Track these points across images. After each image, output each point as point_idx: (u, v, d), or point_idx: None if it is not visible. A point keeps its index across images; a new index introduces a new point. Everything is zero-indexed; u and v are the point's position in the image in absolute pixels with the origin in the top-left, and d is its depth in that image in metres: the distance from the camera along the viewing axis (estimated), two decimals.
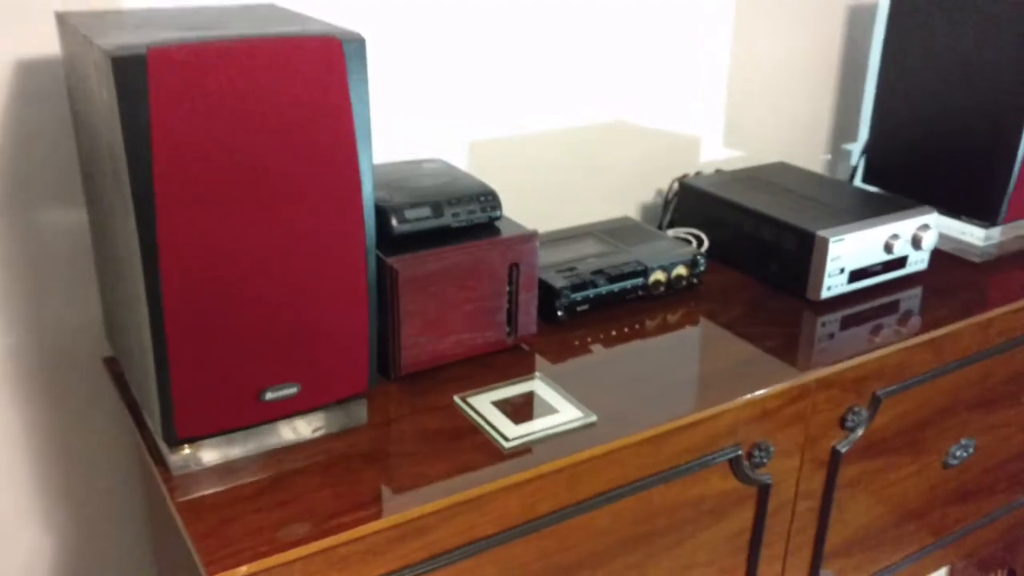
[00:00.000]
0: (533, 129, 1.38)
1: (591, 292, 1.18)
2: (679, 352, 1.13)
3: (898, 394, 1.22)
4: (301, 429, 0.91)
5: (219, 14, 0.89)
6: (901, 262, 1.29)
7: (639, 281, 1.21)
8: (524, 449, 0.92)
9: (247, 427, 0.87)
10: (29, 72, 1.00)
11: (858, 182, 1.62)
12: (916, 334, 1.18)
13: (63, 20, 0.89)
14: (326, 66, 0.78)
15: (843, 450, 1.18)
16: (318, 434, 0.92)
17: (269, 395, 0.84)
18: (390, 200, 1.01)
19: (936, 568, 1.47)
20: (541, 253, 1.23)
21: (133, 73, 0.70)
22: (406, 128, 1.26)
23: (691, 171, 1.51)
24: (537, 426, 0.94)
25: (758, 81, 1.58)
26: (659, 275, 1.22)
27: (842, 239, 1.21)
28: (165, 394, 0.81)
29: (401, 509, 0.83)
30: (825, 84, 1.68)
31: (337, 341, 0.87)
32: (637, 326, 1.18)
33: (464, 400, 0.98)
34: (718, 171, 1.50)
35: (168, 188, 0.74)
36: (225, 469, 0.87)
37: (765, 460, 1.10)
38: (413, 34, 1.23)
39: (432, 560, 0.88)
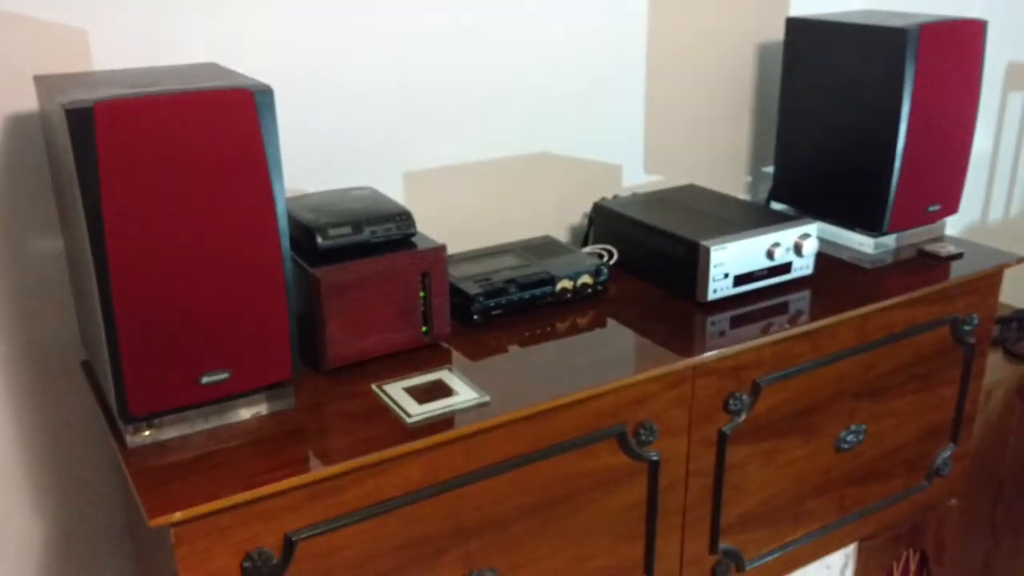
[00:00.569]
0: (465, 160, 1.57)
1: (503, 299, 1.36)
2: (577, 346, 1.31)
3: (778, 382, 1.38)
4: (240, 412, 1.09)
5: (167, 73, 1.09)
6: (786, 268, 1.46)
7: (547, 288, 1.39)
8: (425, 424, 1.09)
9: (188, 407, 1.05)
10: (17, 124, 1.20)
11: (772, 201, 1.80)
12: (790, 328, 1.36)
13: (40, 81, 1.09)
14: (240, 112, 0.97)
15: (728, 432, 1.35)
16: (253, 415, 1.10)
17: (205, 379, 1.03)
18: (317, 220, 1.20)
19: (841, 546, 1.63)
20: (464, 266, 1.43)
21: (83, 122, 0.90)
22: (346, 160, 1.45)
23: (612, 195, 1.70)
24: (437, 406, 1.12)
25: (675, 113, 1.77)
26: (566, 283, 1.40)
27: (724, 247, 1.38)
28: (119, 380, 1.00)
29: (314, 469, 1.01)
30: (741, 113, 1.86)
31: (262, 335, 1.05)
32: (544, 327, 1.36)
33: (380, 387, 1.16)
34: (633, 194, 1.68)
35: (113, 212, 0.93)
36: (172, 444, 1.05)
37: (651, 439, 1.26)
38: (355, 77, 1.43)
39: (346, 516, 1.05)
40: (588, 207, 1.70)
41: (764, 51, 1.84)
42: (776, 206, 1.78)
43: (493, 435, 1.13)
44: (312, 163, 1.42)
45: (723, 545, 1.43)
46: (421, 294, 1.24)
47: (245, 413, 1.10)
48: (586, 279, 1.42)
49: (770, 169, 1.93)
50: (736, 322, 1.38)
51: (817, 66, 1.65)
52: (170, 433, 1.06)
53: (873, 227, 1.60)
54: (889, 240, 1.65)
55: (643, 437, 1.26)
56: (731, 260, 1.40)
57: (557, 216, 1.70)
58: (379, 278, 1.20)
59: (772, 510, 1.48)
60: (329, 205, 1.26)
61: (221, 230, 0.99)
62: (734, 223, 1.47)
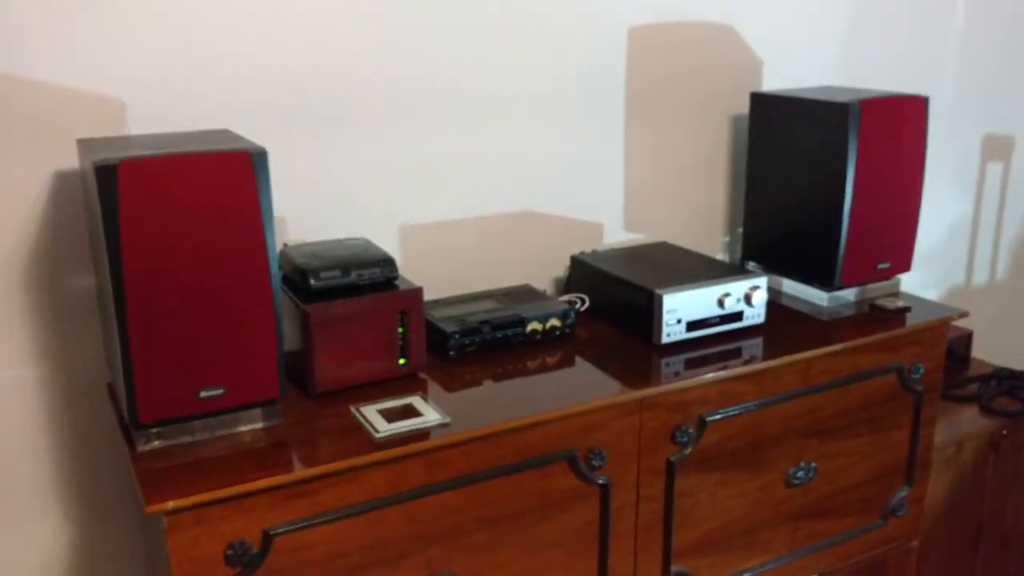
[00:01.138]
0: (455, 216, 1.76)
1: (477, 337, 1.53)
2: (541, 380, 1.48)
3: (725, 419, 1.53)
4: (236, 425, 1.28)
5: (185, 138, 1.30)
6: (737, 316, 1.62)
7: (518, 329, 1.56)
8: (391, 440, 1.26)
9: (189, 418, 1.24)
10: (62, 180, 1.42)
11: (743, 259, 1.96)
12: (734, 368, 1.51)
13: (81, 144, 1.31)
14: (239, 171, 1.17)
15: (676, 462, 1.50)
16: (247, 428, 1.28)
17: (203, 394, 1.22)
18: (311, 264, 1.40)
19: None
20: (446, 308, 1.61)
21: (107, 177, 1.11)
22: (348, 216, 1.65)
23: (591, 250, 1.87)
24: (404, 424, 1.29)
25: (653, 177, 1.95)
26: (535, 325, 1.58)
27: (676, 295, 1.55)
28: (131, 392, 1.19)
29: (290, 473, 1.18)
30: (717, 178, 2.04)
31: (254, 359, 1.24)
32: (514, 363, 1.53)
33: (357, 409, 1.34)
34: (611, 249, 1.86)
35: (131, 252, 1.13)
36: (175, 450, 1.23)
37: (601, 464, 1.42)
38: (357, 145, 1.63)
39: (318, 516, 1.22)
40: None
41: (737, 122, 2.01)
42: (751, 264, 1.94)
43: (452, 452, 1.30)
44: (320, 218, 1.62)
45: (676, 568, 1.56)
46: (400, 330, 1.42)
47: (240, 426, 1.28)
48: (555, 322, 1.59)
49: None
50: (687, 363, 1.54)
51: (778, 136, 1.82)
52: (174, 441, 1.24)
53: (826, 282, 1.75)
54: (848, 295, 1.80)
55: (593, 462, 1.41)
56: (683, 307, 1.56)
57: (543, 268, 1.87)
58: (362, 315, 1.38)
59: (724, 538, 1.61)
60: (324, 252, 1.46)
61: (221, 269, 1.19)
62: (691, 275, 1.63)
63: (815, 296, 1.79)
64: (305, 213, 1.62)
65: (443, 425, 1.30)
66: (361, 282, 1.41)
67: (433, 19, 1.65)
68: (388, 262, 1.43)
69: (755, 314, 1.63)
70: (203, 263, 1.18)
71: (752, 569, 1.66)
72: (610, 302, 1.68)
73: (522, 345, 1.59)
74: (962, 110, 2.39)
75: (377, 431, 1.27)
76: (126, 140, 1.31)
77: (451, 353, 1.52)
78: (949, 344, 2.42)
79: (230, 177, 1.17)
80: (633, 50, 1.85)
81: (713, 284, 1.59)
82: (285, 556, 1.22)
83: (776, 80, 2.03)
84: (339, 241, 1.53)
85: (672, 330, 1.56)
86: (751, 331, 1.64)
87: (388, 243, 1.68)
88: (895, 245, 1.78)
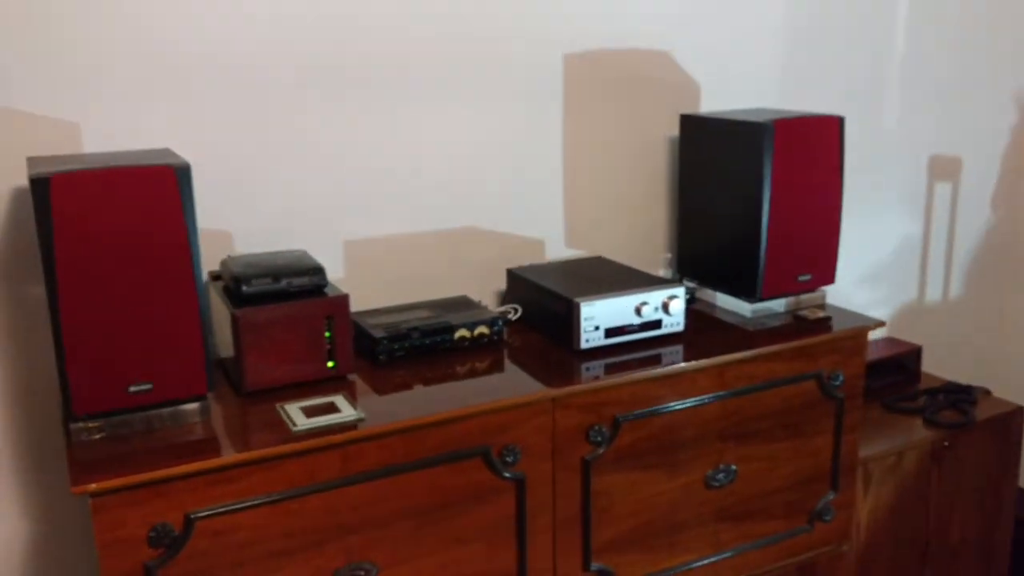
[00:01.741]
0: (398, 232, 1.87)
1: (407, 342, 1.63)
2: (465, 383, 1.57)
3: (639, 420, 1.61)
4: (166, 418, 1.38)
5: (124, 156, 1.42)
6: (656, 324, 1.71)
7: (447, 336, 1.66)
8: (308, 433, 1.36)
9: (121, 411, 1.34)
10: (19, 196, 1.55)
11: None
12: (646, 371, 1.60)
13: (30, 161, 1.43)
14: (164, 184, 1.29)
15: (591, 460, 1.58)
16: (177, 422, 1.39)
17: (132, 389, 1.33)
18: (244, 272, 1.50)
19: None
20: (381, 316, 1.71)
21: (41, 189, 1.22)
22: (293, 229, 1.76)
23: (529, 264, 1.97)
24: (320, 420, 1.39)
25: (591, 195, 2.05)
26: (463, 332, 1.67)
27: (593, 304, 1.64)
28: (65, 387, 1.30)
29: (208, 459, 1.29)
30: (658, 196, 2.13)
31: (180, 357, 1.35)
32: (442, 367, 1.63)
33: (281, 406, 1.44)
34: (547, 263, 1.95)
35: (63, 256, 1.25)
36: (107, 441, 1.34)
37: (513, 460, 1.51)
38: (300, 163, 1.75)
39: (237, 502, 1.32)
40: None
41: (676, 143, 2.11)
42: (687, 279, 2.03)
43: (367, 446, 1.39)
44: (267, 232, 1.73)
45: (596, 564, 1.64)
46: (327, 334, 1.52)
47: (170, 419, 1.39)
48: (483, 329, 1.69)
49: None
50: (605, 367, 1.63)
51: (704, 156, 1.92)
52: (112, 433, 1.35)
53: (750, 294, 1.84)
54: (776, 306, 1.88)
55: (507, 459, 1.50)
56: (601, 315, 1.65)
57: (486, 281, 1.97)
58: (289, 319, 1.49)
59: (645, 536, 1.69)
60: (260, 262, 1.57)
61: (148, 274, 1.30)
62: (613, 285, 1.72)
63: (742, 307, 1.88)
64: (252, 229, 1.73)
65: (358, 420, 1.40)
66: (291, 289, 1.51)
67: (376, 41, 1.77)
68: (318, 271, 1.54)
69: (674, 322, 1.72)
70: (131, 268, 1.29)
71: (675, 568, 1.74)
72: (539, 311, 1.77)
73: (451, 351, 1.68)
74: (907, 132, 2.47)
75: (295, 424, 1.37)
76: (71, 158, 1.43)
77: (381, 358, 1.62)
78: (899, 359, 2.50)
79: (156, 190, 1.29)
80: (570, 74, 1.96)
81: (631, 293, 1.68)
82: (206, 539, 1.31)
83: (716, 104, 2.13)
84: (277, 252, 1.64)
85: (590, 336, 1.65)
86: (671, 338, 1.73)
87: (332, 258, 1.79)
88: (816, 258, 1.86)
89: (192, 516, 1.30)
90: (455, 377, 1.60)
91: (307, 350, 1.51)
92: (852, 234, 2.33)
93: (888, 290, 2.59)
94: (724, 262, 1.90)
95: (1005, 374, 2.71)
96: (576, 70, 1.97)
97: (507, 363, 1.65)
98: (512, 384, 1.57)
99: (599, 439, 1.58)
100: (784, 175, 1.76)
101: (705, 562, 1.76)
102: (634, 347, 1.69)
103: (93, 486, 1.22)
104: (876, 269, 2.55)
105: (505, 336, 1.74)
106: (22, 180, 1.54)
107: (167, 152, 1.47)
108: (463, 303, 1.81)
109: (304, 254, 1.63)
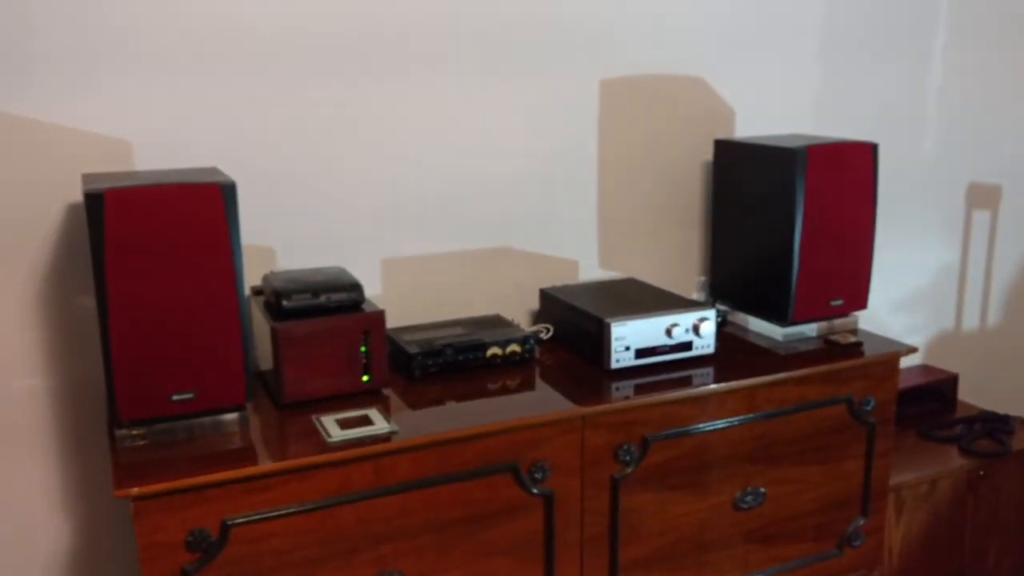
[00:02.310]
0: (436, 251, 1.91)
1: (440, 359, 1.67)
2: (494, 398, 1.60)
3: (668, 440, 1.63)
4: (207, 427, 1.43)
5: (173, 173, 1.48)
6: (687, 346, 1.73)
7: (480, 353, 1.70)
8: (342, 445, 1.40)
9: (164, 418, 1.39)
10: (73, 211, 1.61)
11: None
12: (676, 392, 1.61)
13: (84, 177, 1.49)
14: (211, 201, 1.34)
15: (620, 479, 1.60)
16: (217, 430, 1.43)
17: (175, 397, 1.38)
18: (285, 287, 1.55)
19: None
20: (416, 333, 1.75)
21: (95, 204, 1.28)
22: (334, 247, 1.81)
23: (562, 284, 2.00)
24: (355, 432, 1.43)
25: (626, 218, 2.08)
26: (496, 349, 1.71)
27: (624, 324, 1.67)
28: (112, 395, 1.35)
29: (245, 467, 1.33)
30: (692, 220, 2.15)
31: (222, 368, 1.40)
32: (475, 383, 1.66)
33: (317, 418, 1.48)
34: (580, 284, 1.98)
35: (114, 268, 1.30)
36: (150, 447, 1.39)
37: (543, 477, 1.53)
38: (343, 183, 1.80)
39: (273, 510, 1.36)
40: None
41: (710, 168, 2.13)
42: (720, 303, 2.04)
43: (400, 458, 1.43)
44: (308, 249, 1.79)
45: None
46: (363, 348, 1.56)
47: (211, 428, 1.44)
48: (514, 347, 1.72)
49: None
50: (635, 387, 1.65)
51: (738, 181, 1.94)
52: (155, 440, 1.40)
53: (781, 317, 1.85)
54: (809, 330, 1.89)
55: (536, 475, 1.53)
56: (632, 335, 1.67)
57: (520, 301, 2.01)
58: (327, 333, 1.53)
59: (673, 556, 1.70)
60: (300, 277, 1.61)
61: (193, 287, 1.35)
62: (645, 307, 1.75)
63: (774, 331, 1.89)
64: (293, 246, 1.78)
65: (391, 433, 1.44)
66: (330, 304, 1.56)
67: (416, 61, 1.82)
68: (355, 287, 1.58)
69: (704, 344, 1.74)
70: (177, 282, 1.34)
71: None
72: (571, 331, 1.80)
73: (484, 368, 1.72)
74: (945, 160, 2.47)
75: (330, 436, 1.41)
76: (123, 175, 1.49)
77: (415, 373, 1.66)
78: (935, 387, 2.49)
79: (203, 206, 1.34)
80: (607, 99, 2.00)
81: (662, 315, 1.70)
82: (242, 546, 1.35)
83: (752, 130, 2.15)
84: (317, 269, 1.69)
85: (621, 356, 1.68)
86: (701, 360, 1.75)
87: (370, 275, 1.84)
88: (849, 283, 1.87)
89: (228, 523, 1.34)
90: (487, 394, 1.63)
91: (343, 364, 1.55)
92: (889, 260, 2.34)
93: (925, 317, 2.58)
94: (756, 286, 1.91)
95: None
96: (613, 95, 2.00)
97: (538, 381, 1.68)
98: (543, 401, 1.60)
99: (628, 458, 1.60)
100: (817, 200, 1.78)
101: None
102: (664, 368, 1.71)
103: (135, 490, 1.27)
104: (913, 296, 2.54)
105: (537, 354, 1.77)
106: (75, 196, 1.61)
107: (214, 171, 1.52)
108: (496, 321, 1.84)
109: (343, 271, 1.67)
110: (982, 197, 2.56)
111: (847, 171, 1.81)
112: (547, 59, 1.93)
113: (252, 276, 1.67)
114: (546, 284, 1.99)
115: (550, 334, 1.85)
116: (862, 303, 1.91)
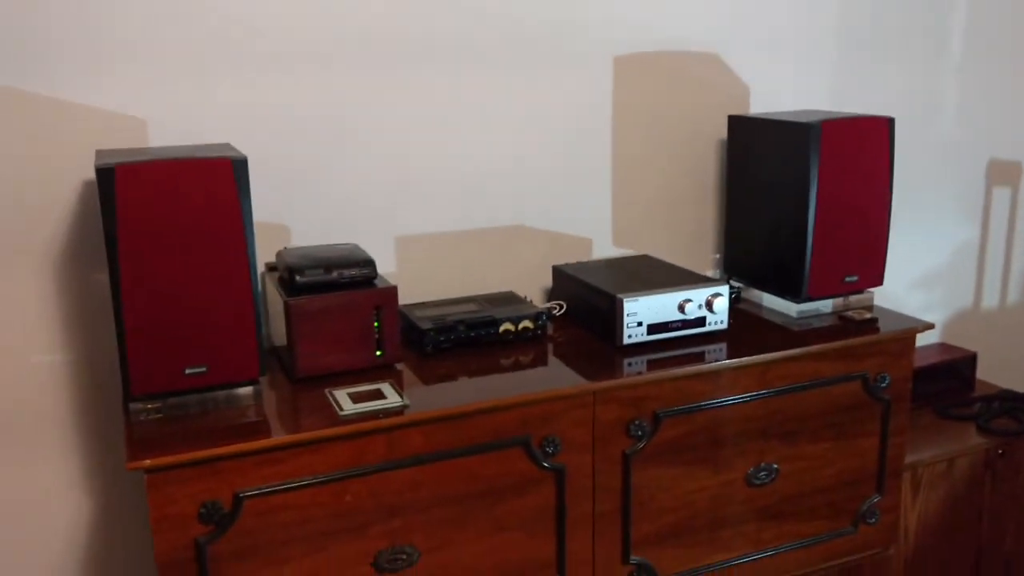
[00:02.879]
0: (448, 229, 1.91)
1: (452, 335, 1.68)
2: (505, 374, 1.61)
3: (679, 416, 1.63)
4: (219, 400, 1.44)
5: (185, 149, 1.49)
6: (700, 321, 1.72)
7: (492, 329, 1.70)
8: (354, 418, 1.41)
9: (178, 392, 1.41)
10: (88, 187, 1.63)
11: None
12: (687, 368, 1.61)
13: (98, 153, 1.50)
14: (222, 175, 1.35)
15: (631, 454, 1.60)
16: (231, 404, 1.45)
17: (188, 371, 1.39)
18: (299, 263, 1.56)
19: None
20: (429, 309, 1.75)
21: (106, 178, 1.29)
22: (349, 225, 1.82)
23: (576, 261, 2.00)
24: (366, 405, 1.44)
25: (640, 196, 2.07)
26: (508, 325, 1.71)
27: (636, 300, 1.66)
28: (125, 369, 1.36)
29: (258, 440, 1.34)
30: (706, 197, 2.14)
31: (235, 342, 1.41)
32: (487, 359, 1.66)
33: (330, 392, 1.49)
34: (593, 261, 1.98)
35: (125, 242, 1.31)
36: (164, 420, 1.41)
37: (554, 451, 1.53)
38: (357, 161, 1.80)
39: (284, 483, 1.37)
40: None
41: (724, 144, 2.12)
42: (735, 279, 2.03)
43: (411, 432, 1.43)
44: (324, 226, 1.79)
45: (635, 557, 1.66)
46: (375, 324, 1.57)
47: (224, 402, 1.45)
48: (527, 323, 1.72)
49: None
50: (647, 363, 1.64)
51: (751, 157, 1.93)
52: (169, 414, 1.41)
53: (795, 294, 1.84)
54: (824, 307, 1.88)
55: (548, 449, 1.53)
56: (644, 311, 1.67)
57: (533, 278, 2.01)
58: (340, 308, 1.54)
59: (686, 531, 1.70)
60: (314, 254, 1.62)
61: (205, 263, 1.36)
62: (657, 283, 1.74)
63: (788, 308, 1.88)
64: (309, 223, 1.79)
65: (403, 407, 1.44)
66: (342, 280, 1.56)
67: (431, 43, 1.82)
68: (368, 263, 1.59)
69: (717, 320, 1.73)
70: (190, 256, 1.35)
71: (716, 565, 1.74)
72: (583, 307, 1.80)
73: (496, 344, 1.72)
74: (964, 136, 2.44)
75: (342, 409, 1.42)
76: (136, 151, 1.50)
77: (428, 348, 1.66)
78: (953, 365, 2.47)
79: (215, 181, 1.35)
80: (620, 76, 1.99)
81: (675, 291, 1.70)
82: (254, 518, 1.37)
83: (767, 106, 2.13)
84: (331, 245, 1.69)
85: (633, 332, 1.67)
86: (714, 336, 1.74)
87: (384, 252, 1.84)
88: (863, 259, 1.86)
89: (241, 495, 1.35)
90: (499, 369, 1.63)
91: (356, 339, 1.56)
92: (907, 238, 2.31)
93: (943, 295, 2.56)
94: (770, 262, 1.90)
95: None
96: (626, 72, 1.99)
97: (550, 357, 1.68)
98: (554, 377, 1.60)
99: (640, 433, 1.60)
100: (831, 176, 1.76)
101: (746, 560, 1.77)
102: (677, 344, 1.71)
103: (148, 462, 1.28)
104: (931, 273, 2.52)
105: (549, 331, 1.77)
106: (91, 173, 1.62)
107: (226, 146, 1.53)
108: (509, 298, 1.84)
109: (356, 247, 1.68)
110: (1002, 174, 2.53)
111: (862, 146, 1.79)
112: (561, 36, 1.92)
113: (268, 253, 1.68)
114: (560, 261, 1.99)
115: (563, 311, 1.85)
116: (878, 279, 1.89)
